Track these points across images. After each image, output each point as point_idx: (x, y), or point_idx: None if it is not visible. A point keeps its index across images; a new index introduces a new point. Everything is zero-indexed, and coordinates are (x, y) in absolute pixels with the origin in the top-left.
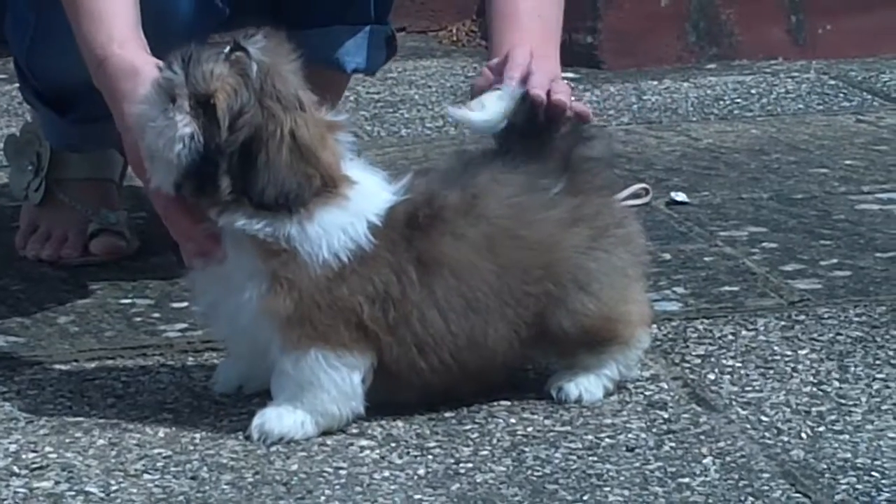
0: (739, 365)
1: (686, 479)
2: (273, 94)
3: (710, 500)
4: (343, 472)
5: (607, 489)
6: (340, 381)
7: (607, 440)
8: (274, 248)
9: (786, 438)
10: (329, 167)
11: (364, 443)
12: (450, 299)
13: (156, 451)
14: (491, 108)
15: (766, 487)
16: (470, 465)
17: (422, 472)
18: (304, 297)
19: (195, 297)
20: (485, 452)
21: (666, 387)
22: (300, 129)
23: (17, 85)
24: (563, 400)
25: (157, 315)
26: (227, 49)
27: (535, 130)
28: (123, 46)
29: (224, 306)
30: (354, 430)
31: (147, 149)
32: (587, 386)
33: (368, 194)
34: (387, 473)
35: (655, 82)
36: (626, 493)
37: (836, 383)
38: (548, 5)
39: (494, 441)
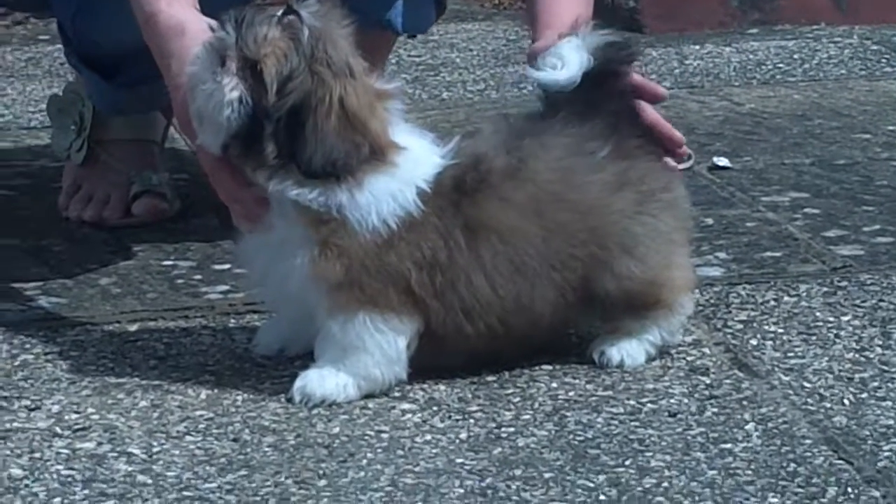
0: (782, 331)
1: (728, 445)
2: (324, 59)
3: (753, 466)
4: (385, 436)
5: (649, 454)
6: (386, 345)
7: (649, 405)
8: (324, 216)
9: (828, 405)
10: (377, 136)
11: (406, 406)
12: (497, 264)
13: (198, 412)
14: (572, 63)
15: (808, 454)
16: (512, 429)
17: (463, 435)
18: (354, 262)
19: (244, 263)
20: (526, 416)
21: (708, 352)
22: (349, 97)
23: (59, 45)
24: (605, 364)
25: (198, 277)
26: (280, 12)
27: (583, 91)
28: (172, 4)
29: (273, 272)
30: (396, 394)
31: (196, 110)
32: (629, 350)
33: (417, 160)
34: (428, 437)
35: (697, 47)
36: (668, 458)
37: (879, 350)
38: None
39: (536, 405)
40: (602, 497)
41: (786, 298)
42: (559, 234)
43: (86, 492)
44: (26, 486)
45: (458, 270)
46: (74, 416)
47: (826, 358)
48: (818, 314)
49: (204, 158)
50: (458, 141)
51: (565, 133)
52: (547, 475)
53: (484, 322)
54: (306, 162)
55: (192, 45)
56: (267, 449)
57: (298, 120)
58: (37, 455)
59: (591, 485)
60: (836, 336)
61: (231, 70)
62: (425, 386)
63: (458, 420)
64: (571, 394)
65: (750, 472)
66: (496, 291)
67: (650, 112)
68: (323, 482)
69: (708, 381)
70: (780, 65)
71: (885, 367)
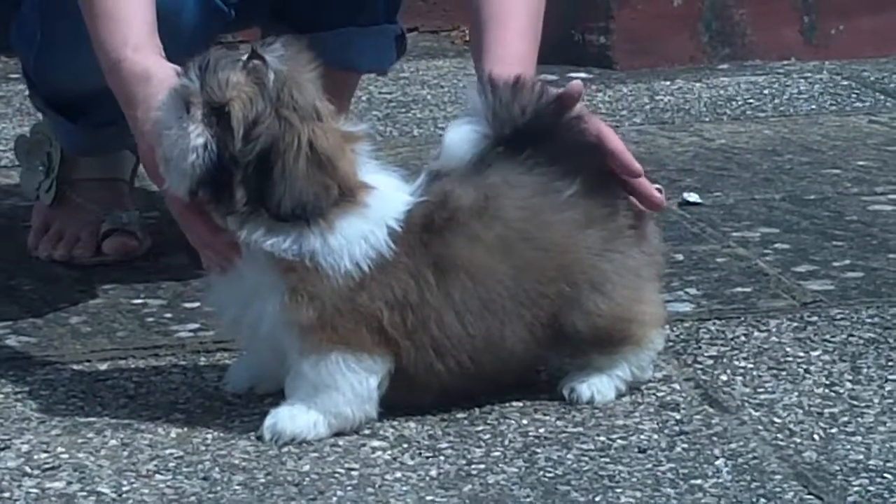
0: (752, 366)
1: (698, 481)
2: (290, 103)
3: (723, 502)
4: (355, 473)
5: (619, 490)
6: (357, 384)
7: (619, 441)
8: (295, 263)
9: (798, 440)
10: (346, 177)
11: (376, 444)
12: (466, 301)
13: (168, 451)
14: (446, 151)
15: (778, 489)
16: (482, 466)
17: (434, 473)
18: (326, 305)
19: (215, 307)
20: (497, 453)
21: (678, 388)
22: (318, 139)
23: None
24: (576, 401)
25: (169, 315)
26: (245, 57)
27: (546, 129)
28: (138, 50)
29: (245, 316)
30: (366, 431)
31: (162, 156)
32: (599, 387)
33: (387, 199)
34: (399, 474)
35: (668, 83)
36: (639, 494)
37: (849, 384)
38: (535, 21)
39: (506, 442)
40: None
41: (756, 334)
42: (528, 272)
43: None
44: None
45: (428, 310)
46: (44, 455)
47: (796, 393)
48: (788, 349)
49: (173, 204)
50: (426, 177)
51: (532, 171)
52: None
53: (455, 359)
54: (276, 206)
55: (157, 92)
56: (237, 487)
57: (268, 165)
58: (6, 495)
59: None
60: (806, 371)
61: (196, 116)
62: (395, 423)
63: (428, 457)
64: (542, 430)
65: None
66: (466, 329)
67: (614, 140)
68: None
69: (678, 417)
70: (751, 100)
71: (855, 402)
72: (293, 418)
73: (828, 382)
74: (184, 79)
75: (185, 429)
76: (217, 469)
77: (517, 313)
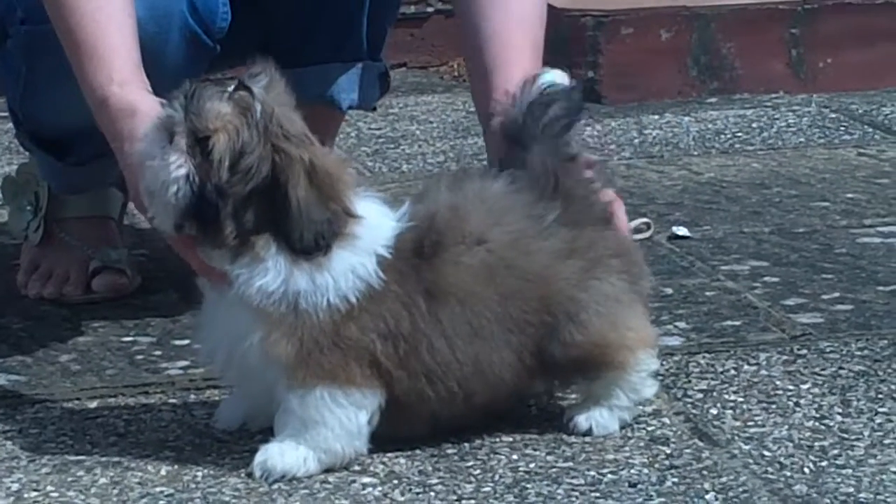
0: (741, 400)
1: None
2: (280, 133)
3: None
4: None
5: None
6: (346, 420)
7: (609, 476)
8: (271, 308)
9: (788, 473)
10: (348, 199)
11: (366, 480)
12: (456, 327)
13: (158, 489)
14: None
15: None
16: (472, 501)
17: None
18: (305, 341)
19: (207, 345)
20: (487, 489)
21: (668, 422)
22: (319, 160)
23: None
24: (573, 431)
25: (158, 353)
26: (231, 88)
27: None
28: (123, 86)
29: (234, 351)
30: (357, 468)
31: (146, 188)
32: (599, 419)
33: (375, 227)
34: None
35: (656, 116)
36: None
37: (839, 417)
38: (538, 34)
39: (497, 477)
40: None
41: (745, 367)
42: (513, 300)
43: None
44: None
45: (420, 336)
46: (34, 493)
47: (786, 426)
48: (778, 383)
49: (167, 235)
50: (411, 203)
51: (513, 195)
52: None
53: (444, 386)
54: (298, 240)
55: (142, 125)
56: None
57: (269, 199)
58: None
59: None
60: (796, 404)
61: (179, 147)
62: (385, 459)
63: (418, 493)
64: (532, 465)
65: None
66: (455, 354)
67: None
68: None
69: (668, 451)
70: (739, 133)
71: (845, 435)
72: (283, 455)
73: (818, 415)
74: (168, 108)
75: (175, 466)
76: None
77: (505, 339)
